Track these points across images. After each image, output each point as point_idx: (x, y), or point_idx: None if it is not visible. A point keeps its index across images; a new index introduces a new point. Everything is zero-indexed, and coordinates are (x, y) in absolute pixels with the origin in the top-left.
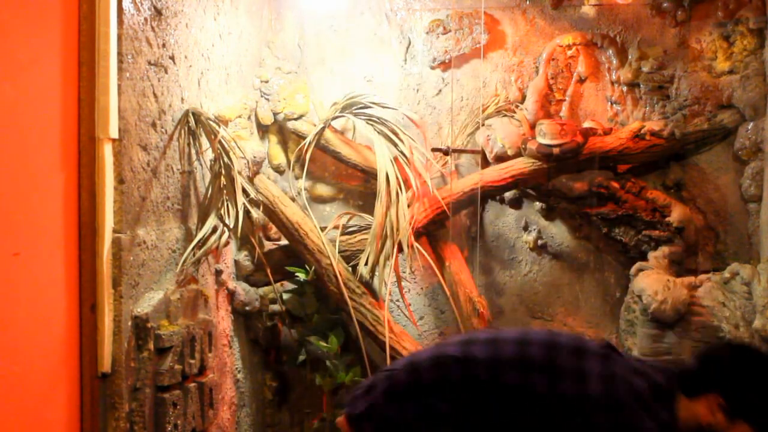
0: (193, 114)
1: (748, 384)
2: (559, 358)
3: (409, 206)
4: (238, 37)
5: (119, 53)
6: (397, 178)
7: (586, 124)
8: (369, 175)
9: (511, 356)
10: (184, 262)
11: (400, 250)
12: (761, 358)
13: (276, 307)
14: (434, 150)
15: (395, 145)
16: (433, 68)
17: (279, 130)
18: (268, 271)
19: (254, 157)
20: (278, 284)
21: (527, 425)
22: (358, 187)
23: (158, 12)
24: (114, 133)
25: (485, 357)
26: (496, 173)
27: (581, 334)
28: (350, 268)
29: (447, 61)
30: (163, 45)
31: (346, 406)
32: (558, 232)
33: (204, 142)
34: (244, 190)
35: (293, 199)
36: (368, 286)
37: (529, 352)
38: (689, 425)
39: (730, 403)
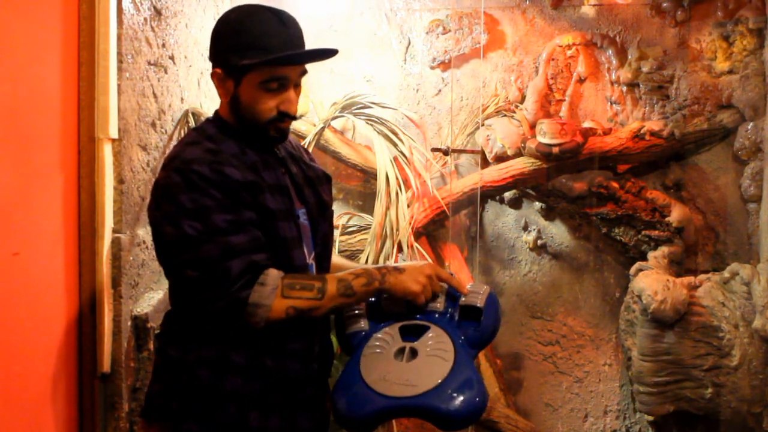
0: (193, 114)
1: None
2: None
3: (408, 206)
4: None
5: (119, 53)
6: (397, 178)
7: (586, 124)
8: (369, 175)
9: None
10: None
11: (400, 250)
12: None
13: None
14: (434, 150)
15: (395, 145)
16: (432, 68)
17: None
18: None
19: None
20: None
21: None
22: (358, 187)
23: (158, 12)
24: (114, 133)
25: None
26: (495, 173)
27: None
28: None
29: (447, 61)
30: (163, 45)
31: None
32: (558, 232)
33: None
34: None
35: None
36: None
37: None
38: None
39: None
